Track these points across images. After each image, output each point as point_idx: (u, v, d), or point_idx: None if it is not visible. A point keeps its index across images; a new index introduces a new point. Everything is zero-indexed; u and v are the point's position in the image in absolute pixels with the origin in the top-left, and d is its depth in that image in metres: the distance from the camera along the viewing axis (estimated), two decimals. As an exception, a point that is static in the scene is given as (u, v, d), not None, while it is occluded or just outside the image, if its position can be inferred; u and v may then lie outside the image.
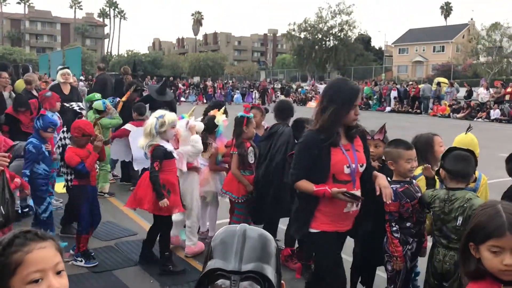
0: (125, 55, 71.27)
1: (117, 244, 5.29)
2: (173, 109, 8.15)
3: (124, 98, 8.00)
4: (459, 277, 2.81)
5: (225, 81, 42.07)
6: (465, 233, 1.82)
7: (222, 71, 63.90)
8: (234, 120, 4.92)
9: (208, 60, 64.78)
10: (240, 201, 4.89)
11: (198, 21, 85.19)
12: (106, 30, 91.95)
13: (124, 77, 10.42)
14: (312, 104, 31.64)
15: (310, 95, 33.70)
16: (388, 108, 27.22)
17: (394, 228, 3.24)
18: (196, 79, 49.61)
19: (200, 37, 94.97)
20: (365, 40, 58.88)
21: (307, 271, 4.02)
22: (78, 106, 6.77)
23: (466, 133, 3.66)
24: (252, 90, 36.31)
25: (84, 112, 6.88)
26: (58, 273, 1.38)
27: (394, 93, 27.50)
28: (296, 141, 4.58)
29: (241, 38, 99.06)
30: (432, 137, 3.80)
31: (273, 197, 4.67)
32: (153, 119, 4.46)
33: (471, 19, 62.43)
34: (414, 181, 3.39)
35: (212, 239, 1.26)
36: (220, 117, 5.27)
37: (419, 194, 3.24)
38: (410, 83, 29.51)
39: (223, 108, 5.48)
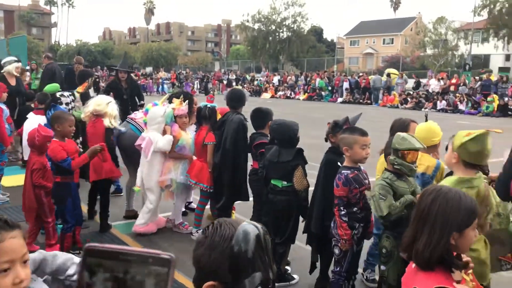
0: (74, 45, 68.98)
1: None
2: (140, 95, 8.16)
3: (80, 90, 7.79)
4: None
5: (179, 72, 41.57)
6: (446, 225, 1.81)
7: (176, 62, 63.05)
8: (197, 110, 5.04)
9: (161, 50, 63.76)
10: (211, 190, 5.11)
11: (150, 10, 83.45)
12: (54, 18, 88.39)
13: (75, 66, 10.12)
14: (267, 95, 31.85)
15: (265, 86, 33.86)
16: (339, 99, 27.80)
17: (343, 212, 3.37)
18: (149, 69, 48.73)
19: (152, 26, 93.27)
20: (317, 32, 59.67)
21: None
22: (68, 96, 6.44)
23: (426, 121, 3.87)
24: (206, 81, 36.11)
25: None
26: (24, 262, 1.37)
27: (346, 85, 28.12)
28: (244, 128, 4.73)
29: (195, 28, 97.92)
30: (409, 123, 3.90)
31: (227, 181, 4.86)
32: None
33: (419, 12, 64.59)
34: (362, 168, 3.54)
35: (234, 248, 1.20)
36: (168, 106, 5.32)
37: (367, 181, 3.39)
38: (361, 74, 30.25)
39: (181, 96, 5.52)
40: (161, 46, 65.97)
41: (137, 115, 5.86)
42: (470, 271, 1.91)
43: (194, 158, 5.32)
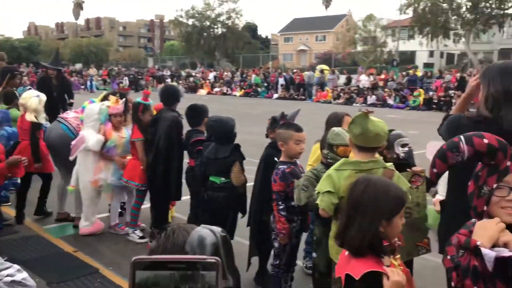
0: (-4, 40, 64.99)
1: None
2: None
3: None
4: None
5: (110, 68, 40.32)
6: (376, 214, 1.87)
7: (107, 58, 61.09)
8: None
9: (91, 46, 61.52)
10: (143, 188, 5.02)
11: (78, 5, 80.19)
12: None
13: (-4, 63, 9.53)
14: (203, 91, 31.63)
15: (200, 83, 33.63)
16: (275, 95, 28.17)
17: (281, 207, 3.43)
18: (79, 65, 46.89)
19: (81, 21, 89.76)
20: (252, 28, 59.99)
21: None
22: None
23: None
24: (140, 77, 35.28)
25: None
26: None
27: (281, 81, 28.56)
28: (177, 125, 4.68)
29: (126, 23, 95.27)
30: (343, 117, 3.96)
31: (160, 181, 4.78)
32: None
33: (349, 10, 66.73)
34: (298, 162, 3.62)
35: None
36: (103, 103, 5.17)
37: (303, 175, 3.46)
38: (295, 70, 30.84)
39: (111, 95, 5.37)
40: (91, 41, 63.65)
41: (69, 114, 5.64)
42: (398, 255, 2.01)
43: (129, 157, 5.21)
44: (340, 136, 3.16)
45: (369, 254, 1.88)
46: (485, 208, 1.86)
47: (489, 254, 1.63)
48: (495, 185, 1.82)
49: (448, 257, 1.84)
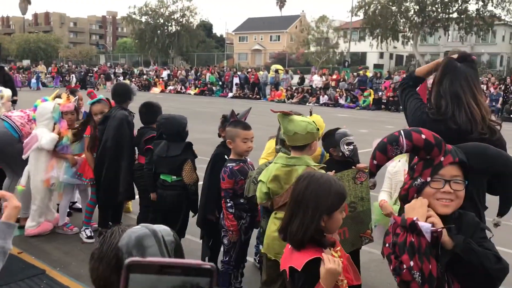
0: None
1: None
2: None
3: None
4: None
5: (60, 65, 39.06)
6: (317, 208, 1.96)
7: (57, 54, 59.10)
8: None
9: (39, 42, 59.27)
10: (89, 183, 5.03)
11: (26, -1, 77.13)
12: None
13: None
14: (156, 90, 31.21)
15: (154, 81, 33.16)
16: (230, 94, 28.20)
17: (229, 204, 3.48)
18: (26, 62, 45.14)
19: (29, 16, 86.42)
20: (207, 27, 59.70)
21: None
22: None
23: (311, 115, 4.09)
24: (91, 74, 34.41)
25: None
26: None
27: (236, 80, 28.62)
28: (128, 124, 4.64)
29: (77, 19, 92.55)
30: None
31: (106, 180, 4.72)
32: None
33: (303, 11, 67.57)
34: (248, 159, 3.68)
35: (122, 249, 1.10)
36: (56, 101, 5.07)
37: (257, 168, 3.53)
38: (249, 70, 30.96)
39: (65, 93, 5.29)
40: (40, 37, 61.31)
41: (14, 113, 5.47)
42: (339, 247, 2.11)
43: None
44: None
45: (310, 247, 1.97)
46: (415, 196, 1.99)
47: (425, 225, 1.81)
48: (429, 178, 1.95)
49: (387, 245, 1.98)
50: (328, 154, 3.79)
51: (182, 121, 4.18)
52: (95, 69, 37.18)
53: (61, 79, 31.52)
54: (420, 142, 1.96)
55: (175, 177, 4.07)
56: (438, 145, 1.96)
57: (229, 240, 3.56)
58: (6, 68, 9.37)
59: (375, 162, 2.12)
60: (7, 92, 5.52)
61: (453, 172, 1.94)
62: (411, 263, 1.80)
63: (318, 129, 2.98)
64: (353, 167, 3.44)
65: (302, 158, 2.90)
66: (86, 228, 5.03)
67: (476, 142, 2.27)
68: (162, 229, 1.15)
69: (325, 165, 3.12)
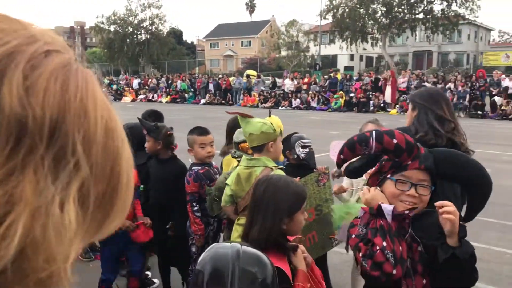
0: None
1: None
2: None
3: None
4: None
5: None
6: (277, 211, 1.94)
7: (24, 67, 57.86)
8: None
9: (5, 54, 58.05)
10: None
11: (-11, 10, 75.43)
12: None
13: None
14: (127, 99, 30.84)
15: (124, 90, 32.78)
16: (202, 101, 28.09)
17: (195, 208, 3.42)
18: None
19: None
20: (177, 34, 59.41)
21: None
22: None
23: (270, 116, 4.05)
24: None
25: None
26: None
27: (210, 86, 28.59)
28: None
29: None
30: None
31: None
32: None
33: (272, 16, 68.02)
34: (213, 163, 3.63)
35: (200, 262, 1.12)
36: None
37: (218, 176, 3.48)
38: (220, 76, 30.92)
39: None
40: (6, 49, 60.09)
41: None
42: (305, 254, 2.07)
43: None
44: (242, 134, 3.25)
45: (272, 252, 1.92)
46: (376, 188, 2.04)
47: (387, 207, 1.90)
48: (395, 177, 1.95)
49: (353, 236, 1.99)
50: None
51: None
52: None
53: None
54: (390, 146, 1.97)
55: (142, 186, 3.99)
56: (409, 151, 1.96)
57: (197, 246, 3.50)
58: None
59: (342, 156, 2.13)
60: None
61: (420, 176, 1.95)
62: (384, 243, 1.85)
63: (274, 130, 2.95)
64: (314, 170, 3.44)
65: (261, 159, 2.91)
66: None
67: (451, 149, 2.34)
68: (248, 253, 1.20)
69: (284, 167, 3.09)
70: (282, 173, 2.85)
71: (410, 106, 2.98)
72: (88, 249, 4.74)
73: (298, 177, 3.16)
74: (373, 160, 2.75)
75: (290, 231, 1.98)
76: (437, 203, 1.82)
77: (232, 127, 3.63)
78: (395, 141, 1.96)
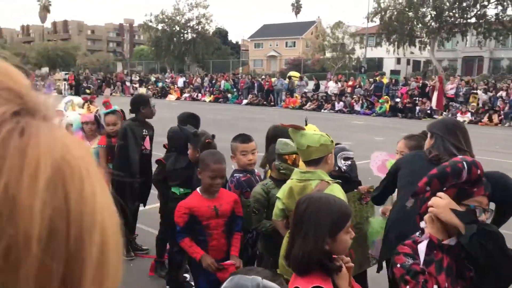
0: (-43, 43, 63.01)
1: None
2: None
3: None
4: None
5: (78, 72, 39.58)
6: (319, 231, 1.89)
7: (74, 62, 60.00)
8: None
9: (58, 50, 60.35)
10: None
11: (45, 8, 78.68)
12: None
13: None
14: (172, 97, 31.39)
15: (170, 88, 33.34)
16: (244, 101, 28.19)
17: None
18: (45, 70, 45.88)
19: (48, 24, 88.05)
20: (222, 34, 60.02)
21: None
22: None
23: (306, 125, 3.99)
24: (104, 82, 34.73)
25: None
26: None
27: (253, 86, 28.71)
28: (131, 131, 4.63)
29: (95, 27, 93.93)
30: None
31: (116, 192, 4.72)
32: None
33: (318, 17, 67.46)
34: (256, 171, 3.60)
35: None
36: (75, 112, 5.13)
37: (253, 192, 3.44)
38: (263, 77, 30.92)
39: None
40: (58, 45, 62.46)
41: None
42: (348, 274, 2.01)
43: None
44: (288, 145, 3.18)
45: (315, 271, 1.87)
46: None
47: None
48: (472, 203, 1.94)
49: (398, 265, 1.90)
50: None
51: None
52: (112, 76, 37.49)
53: (54, 88, 31.84)
54: (475, 176, 1.96)
55: (182, 189, 4.02)
56: (481, 181, 1.99)
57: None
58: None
59: (428, 188, 2.04)
60: (77, 100, 5.70)
61: (484, 201, 1.98)
62: (446, 284, 1.83)
63: (332, 141, 2.91)
64: (355, 189, 3.36)
65: (316, 172, 2.83)
66: None
67: (498, 171, 2.38)
68: None
69: (340, 181, 3.01)
70: (338, 187, 2.79)
71: (428, 135, 3.05)
72: (130, 247, 4.83)
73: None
74: (392, 186, 3.01)
75: (334, 251, 1.91)
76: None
77: (272, 138, 3.58)
78: (479, 171, 1.96)
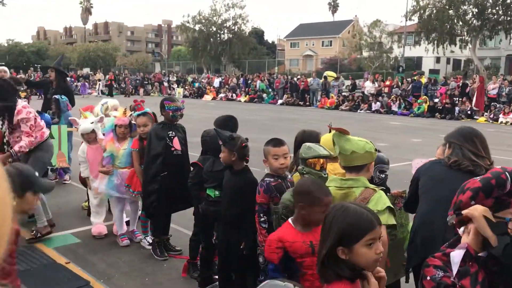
0: (5, 45, 65.53)
1: None
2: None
3: None
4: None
5: (117, 73, 40.52)
6: (330, 239, 1.86)
7: (114, 63, 61.46)
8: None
9: (98, 51, 62.01)
10: (136, 195, 5.14)
11: (87, 10, 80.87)
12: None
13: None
14: (208, 97, 31.73)
15: (206, 88, 33.69)
16: (279, 101, 28.15)
17: (262, 219, 3.39)
18: (86, 70, 47.19)
19: (89, 26, 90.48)
20: (258, 34, 60.14)
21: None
22: None
23: (330, 132, 3.94)
24: (146, 82, 35.40)
25: None
26: None
27: (288, 86, 28.64)
28: (154, 135, 4.73)
29: (134, 28, 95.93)
30: (318, 135, 3.89)
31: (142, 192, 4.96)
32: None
33: (355, 16, 66.67)
34: (289, 176, 3.59)
35: None
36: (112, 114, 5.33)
37: (281, 200, 3.42)
38: (299, 76, 30.74)
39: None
40: (99, 46, 64.13)
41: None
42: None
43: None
44: (311, 149, 3.14)
45: (342, 280, 1.87)
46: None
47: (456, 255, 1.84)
48: (508, 217, 1.87)
49: (428, 278, 1.87)
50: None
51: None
52: (150, 76, 38.14)
53: (98, 87, 32.62)
54: None
55: (217, 192, 4.06)
56: None
57: (264, 257, 3.48)
58: (68, 79, 9.82)
59: (473, 202, 1.95)
60: (112, 102, 5.99)
61: None
62: None
63: (376, 150, 2.88)
64: (388, 194, 3.29)
65: (360, 179, 2.77)
66: (146, 237, 5.30)
67: None
68: None
69: (384, 187, 2.96)
70: (383, 194, 2.75)
71: (446, 146, 3.08)
72: (164, 248, 4.92)
73: None
74: (416, 194, 3.05)
75: (356, 263, 1.86)
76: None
77: (300, 143, 3.56)
78: None
